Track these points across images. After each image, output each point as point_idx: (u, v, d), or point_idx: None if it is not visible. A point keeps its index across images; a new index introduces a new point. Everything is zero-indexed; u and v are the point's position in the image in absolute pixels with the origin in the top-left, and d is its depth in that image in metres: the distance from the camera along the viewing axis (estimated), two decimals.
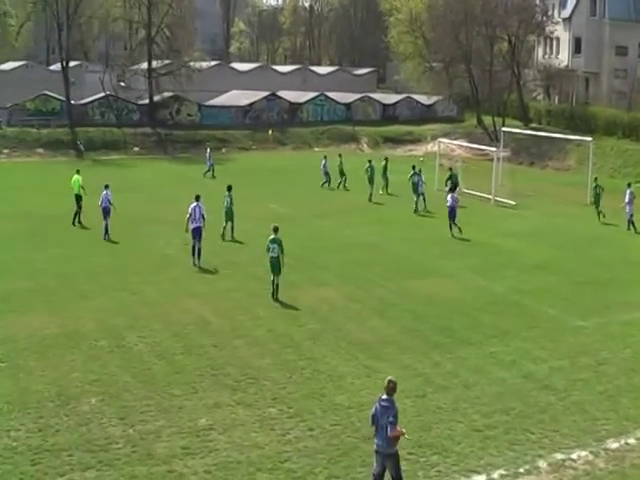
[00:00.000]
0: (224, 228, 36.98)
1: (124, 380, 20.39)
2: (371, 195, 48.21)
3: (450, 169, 48.76)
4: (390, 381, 14.77)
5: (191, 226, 32.46)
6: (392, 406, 14.53)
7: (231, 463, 16.30)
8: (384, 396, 14.67)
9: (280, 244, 27.48)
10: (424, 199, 45.54)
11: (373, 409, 14.85)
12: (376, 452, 14.87)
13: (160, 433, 17.51)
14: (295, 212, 34.59)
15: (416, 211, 44.99)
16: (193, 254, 32.32)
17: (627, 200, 40.93)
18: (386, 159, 52.63)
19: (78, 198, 40.20)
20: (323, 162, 53.62)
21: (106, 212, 37.12)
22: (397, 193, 48.82)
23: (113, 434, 17.44)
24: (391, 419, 14.41)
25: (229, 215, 37.20)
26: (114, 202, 37.40)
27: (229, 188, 37.54)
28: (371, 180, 49.11)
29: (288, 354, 22.37)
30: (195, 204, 32.72)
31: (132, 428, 17.73)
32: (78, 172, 41.97)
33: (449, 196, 39.21)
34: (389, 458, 14.74)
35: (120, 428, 17.73)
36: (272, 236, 27.65)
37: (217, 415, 18.41)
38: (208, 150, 59.59)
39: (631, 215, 40.37)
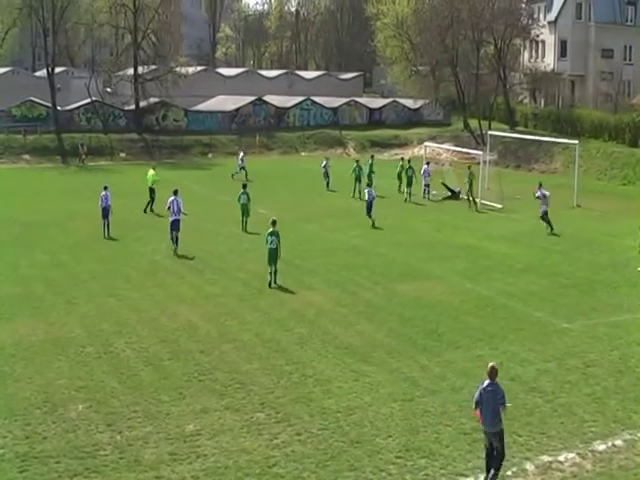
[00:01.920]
0: (243, 222, 39.77)
1: (111, 386, 20.33)
2: (359, 192, 49.84)
3: (402, 159, 53.58)
4: (492, 367, 15.77)
5: (170, 218, 35.07)
6: (498, 389, 15.68)
7: (219, 468, 16.27)
8: (487, 381, 15.72)
9: (278, 236, 29.68)
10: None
11: (477, 395, 15.85)
12: (485, 432, 15.94)
13: (148, 439, 17.46)
14: (282, 216, 34.55)
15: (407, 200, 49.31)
16: (174, 242, 34.98)
17: (538, 196, 41.09)
18: (372, 157, 53.94)
19: (152, 191, 44.75)
20: (324, 163, 54.18)
21: (106, 212, 38.46)
22: (382, 195, 48.79)
23: (100, 440, 17.37)
24: (501, 400, 15.63)
25: (245, 211, 39.89)
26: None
27: (244, 186, 40.92)
28: (358, 179, 50.83)
29: (276, 359, 22.35)
30: (173, 198, 35.66)
31: (119, 434, 17.67)
32: (154, 168, 47.65)
33: (366, 190, 42.39)
34: (496, 435, 15.71)
35: (107, 434, 17.67)
36: (271, 229, 29.81)
37: (205, 420, 18.36)
38: (241, 154, 60.91)
39: (545, 212, 40.39)
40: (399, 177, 52.18)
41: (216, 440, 17.42)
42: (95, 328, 24.81)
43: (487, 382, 15.69)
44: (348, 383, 20.65)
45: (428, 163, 52.89)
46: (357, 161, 53.87)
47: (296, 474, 16.05)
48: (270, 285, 29.53)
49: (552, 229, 39.70)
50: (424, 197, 50.66)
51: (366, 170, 51.52)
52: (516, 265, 33.41)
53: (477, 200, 47.56)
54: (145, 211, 44.39)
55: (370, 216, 41.58)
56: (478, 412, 15.82)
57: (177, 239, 35.00)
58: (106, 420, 18.34)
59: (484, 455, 15.93)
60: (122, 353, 22.77)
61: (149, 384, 20.48)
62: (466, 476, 16.07)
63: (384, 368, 21.66)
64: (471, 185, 48.02)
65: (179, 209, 35.31)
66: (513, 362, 22.20)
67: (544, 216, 40.11)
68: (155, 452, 16.89)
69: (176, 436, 17.58)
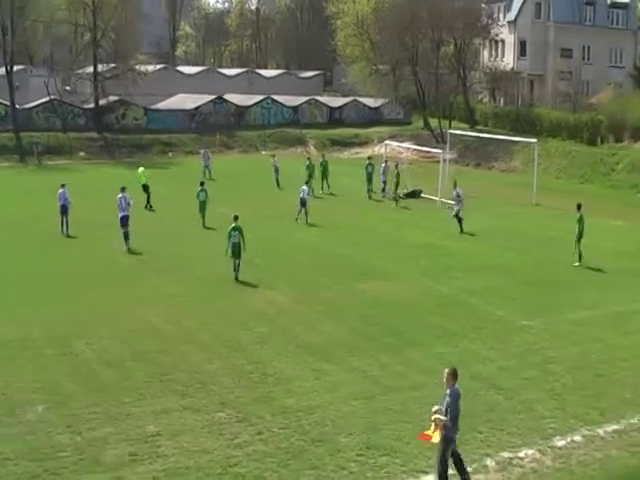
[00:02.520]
0: (203, 219, 40.68)
1: (71, 388, 20.18)
2: (327, 187, 51.53)
3: (369, 157, 53.94)
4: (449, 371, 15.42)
5: (119, 214, 35.52)
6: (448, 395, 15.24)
7: (180, 469, 16.20)
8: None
9: (241, 231, 30.54)
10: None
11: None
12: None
13: (108, 440, 17.33)
14: (242, 215, 34.28)
15: (370, 197, 50.47)
16: (125, 239, 35.43)
17: (455, 197, 41.41)
18: (323, 155, 54.76)
19: (146, 187, 45.89)
20: (272, 160, 54.58)
21: (64, 209, 38.54)
22: (341, 195, 48.87)
23: (60, 442, 17.24)
24: (445, 408, 15.18)
25: (203, 208, 40.94)
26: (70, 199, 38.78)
27: (202, 183, 42.28)
28: (324, 176, 52.18)
29: (236, 358, 22.30)
30: (121, 195, 36.20)
31: (79, 436, 17.53)
32: (142, 166, 49.76)
33: (302, 188, 42.72)
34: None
35: (67, 436, 17.53)
36: (233, 224, 30.68)
37: (165, 421, 18.28)
38: (202, 151, 61.04)
39: (457, 211, 40.75)
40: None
41: (177, 440, 17.35)
42: (55, 329, 24.60)
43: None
44: (309, 382, 20.66)
45: (386, 161, 53.19)
46: (323, 155, 55.39)
47: (257, 473, 16.02)
48: (237, 278, 30.29)
49: (462, 230, 39.85)
50: (382, 195, 50.87)
51: (317, 170, 51.82)
52: (476, 263, 33.61)
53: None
54: (146, 207, 45.12)
55: (299, 213, 42.03)
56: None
57: (127, 235, 35.42)
58: (66, 422, 18.19)
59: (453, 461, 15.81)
60: (82, 354, 22.60)
61: (109, 385, 20.35)
62: (427, 473, 16.11)
63: (345, 367, 21.70)
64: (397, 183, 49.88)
65: (128, 204, 35.92)
66: (474, 360, 22.31)
67: (456, 215, 40.26)
68: (115, 453, 16.78)
69: (136, 437, 17.48)
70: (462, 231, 39.65)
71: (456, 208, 40.57)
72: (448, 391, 15.25)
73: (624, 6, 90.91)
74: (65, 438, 17.43)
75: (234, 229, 30.63)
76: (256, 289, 29.41)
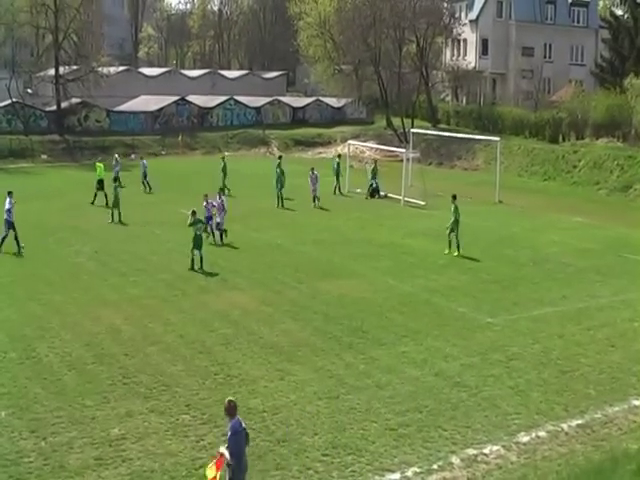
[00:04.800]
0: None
1: (34, 392, 19.99)
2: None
3: (339, 155, 54.56)
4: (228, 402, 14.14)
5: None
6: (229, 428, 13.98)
7: (145, 472, 16.13)
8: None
9: (203, 222, 33.18)
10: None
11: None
12: None
13: (72, 444, 17.21)
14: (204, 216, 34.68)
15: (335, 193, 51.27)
16: None
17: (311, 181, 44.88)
18: (280, 157, 52.12)
19: (101, 183, 46.39)
20: (337, 161, 53.18)
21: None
22: (300, 195, 48.81)
23: (24, 447, 17.08)
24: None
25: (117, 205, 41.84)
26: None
27: (115, 179, 43.47)
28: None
29: (200, 360, 22.24)
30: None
31: (44, 441, 17.39)
32: (100, 161, 51.15)
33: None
34: None
35: (31, 441, 17.37)
36: (193, 218, 32.22)
37: (130, 424, 18.18)
38: (116, 156, 58.92)
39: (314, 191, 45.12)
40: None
41: (141, 443, 17.26)
42: (17, 333, 24.38)
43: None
44: (274, 382, 20.64)
45: (339, 155, 53.75)
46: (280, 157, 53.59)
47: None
48: (193, 268, 31.61)
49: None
50: (334, 194, 51.25)
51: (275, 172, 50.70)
52: (438, 261, 33.74)
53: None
54: (96, 203, 45.29)
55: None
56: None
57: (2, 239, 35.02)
58: (30, 426, 18.04)
59: None
60: (45, 358, 22.42)
61: (73, 389, 20.20)
62: (392, 471, 16.17)
63: (309, 366, 21.71)
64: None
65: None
66: (437, 358, 22.42)
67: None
68: (80, 457, 16.67)
69: (101, 440, 17.38)
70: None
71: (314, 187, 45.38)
72: (229, 425, 14.03)
73: (585, 4, 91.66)
74: (29, 443, 17.27)
75: (196, 222, 32.18)
76: (220, 290, 29.32)
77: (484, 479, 16.05)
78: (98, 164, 49.37)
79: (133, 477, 15.95)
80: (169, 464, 16.42)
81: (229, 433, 13.91)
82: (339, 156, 54.10)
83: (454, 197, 35.19)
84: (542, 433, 17.97)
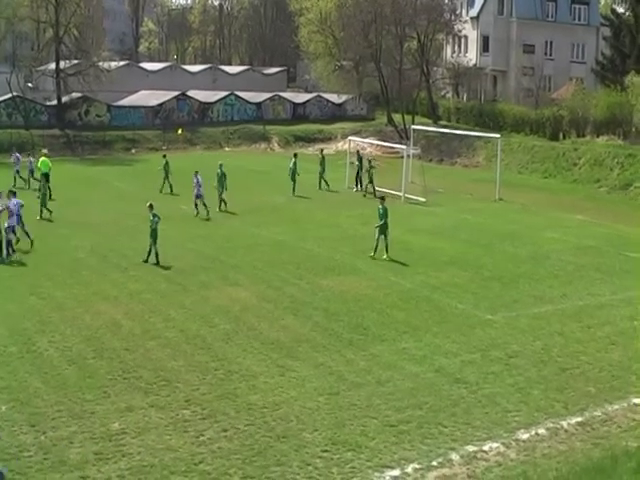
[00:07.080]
0: None
1: (35, 386, 20.00)
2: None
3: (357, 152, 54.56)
4: None
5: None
6: None
7: (145, 467, 16.11)
8: None
9: (159, 217, 32.64)
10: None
11: None
12: None
13: (72, 439, 17.21)
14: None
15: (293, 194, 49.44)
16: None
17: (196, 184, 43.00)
18: (295, 155, 52.48)
19: (46, 176, 45.82)
20: (293, 160, 52.26)
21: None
22: (306, 193, 48.90)
23: (24, 442, 17.07)
24: None
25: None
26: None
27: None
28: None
29: (201, 355, 22.24)
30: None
31: (44, 435, 17.38)
32: (45, 155, 50.53)
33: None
34: None
35: (31, 435, 17.37)
36: (153, 212, 32.59)
37: (130, 419, 18.18)
38: (16, 154, 55.36)
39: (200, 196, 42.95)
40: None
41: (141, 438, 17.26)
42: (17, 327, 24.39)
43: None
44: (274, 378, 20.64)
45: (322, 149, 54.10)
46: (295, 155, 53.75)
47: (222, 471, 15.99)
48: (147, 261, 32.12)
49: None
50: (319, 189, 51.46)
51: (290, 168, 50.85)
52: (439, 258, 33.72)
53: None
54: (50, 199, 43.87)
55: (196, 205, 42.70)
56: None
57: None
58: (30, 420, 18.04)
59: None
60: (45, 352, 22.43)
61: (73, 383, 20.20)
62: (392, 468, 16.16)
63: (310, 363, 21.70)
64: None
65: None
66: (438, 354, 22.42)
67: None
68: (80, 452, 16.66)
69: (101, 435, 17.37)
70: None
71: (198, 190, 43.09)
72: None
73: (586, 2, 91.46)
74: (29, 437, 17.27)
75: (154, 216, 32.57)
76: (220, 286, 29.31)
77: (484, 476, 16.04)
78: (43, 158, 49.17)
79: (133, 472, 15.92)
80: (169, 459, 16.41)
81: None
82: (295, 155, 52.49)
83: (382, 199, 34.90)
84: (542, 430, 17.95)
